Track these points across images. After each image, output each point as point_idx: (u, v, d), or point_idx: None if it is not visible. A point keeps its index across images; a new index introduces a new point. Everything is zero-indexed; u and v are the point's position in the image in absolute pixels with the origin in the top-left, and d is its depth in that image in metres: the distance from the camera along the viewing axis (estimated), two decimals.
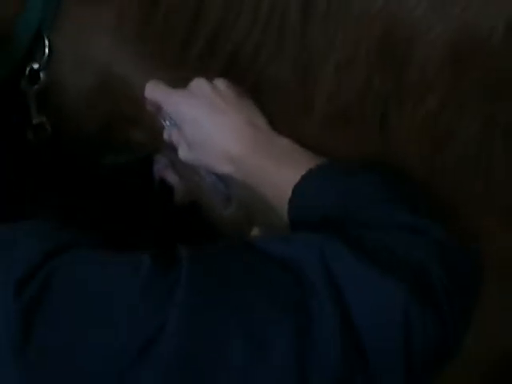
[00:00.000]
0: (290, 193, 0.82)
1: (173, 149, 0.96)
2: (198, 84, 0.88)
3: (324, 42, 0.86)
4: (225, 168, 0.87)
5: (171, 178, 1.08)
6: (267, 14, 0.86)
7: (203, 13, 0.88)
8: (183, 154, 0.91)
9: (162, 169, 1.10)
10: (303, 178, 0.82)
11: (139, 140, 1.05)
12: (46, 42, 0.94)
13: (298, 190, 0.82)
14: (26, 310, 0.62)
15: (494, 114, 0.83)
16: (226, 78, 0.90)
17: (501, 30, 0.79)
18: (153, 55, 0.94)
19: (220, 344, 0.62)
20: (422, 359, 0.68)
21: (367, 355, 0.64)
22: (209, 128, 0.87)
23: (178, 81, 0.91)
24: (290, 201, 0.82)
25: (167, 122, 0.92)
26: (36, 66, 0.95)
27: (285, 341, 0.63)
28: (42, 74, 0.96)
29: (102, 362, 0.61)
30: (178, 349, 0.61)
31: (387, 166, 0.87)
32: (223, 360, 0.62)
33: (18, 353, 0.61)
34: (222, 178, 0.94)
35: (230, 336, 0.63)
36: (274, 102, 0.91)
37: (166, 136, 0.94)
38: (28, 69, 0.95)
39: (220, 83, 0.89)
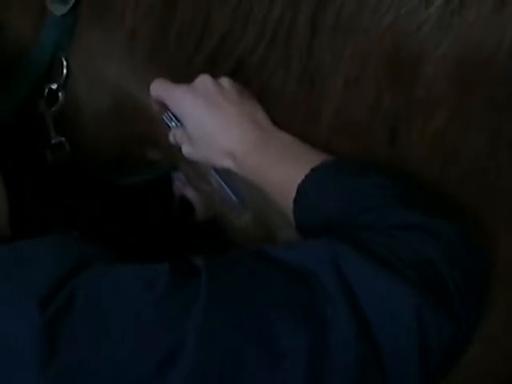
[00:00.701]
0: (293, 192, 0.81)
1: (188, 163, 0.97)
2: (202, 80, 0.88)
3: (332, 55, 0.86)
4: (225, 162, 0.87)
5: (190, 194, 1.09)
6: (275, 25, 0.86)
7: (210, 26, 0.88)
8: (186, 150, 0.91)
9: (181, 186, 1.11)
10: (307, 176, 0.80)
11: (156, 158, 1.05)
12: (64, 63, 0.95)
13: (302, 189, 0.80)
14: (51, 325, 0.63)
15: (500, 127, 0.83)
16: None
17: (507, 44, 0.79)
18: (162, 74, 0.94)
19: (237, 357, 0.62)
20: (437, 361, 0.67)
21: (383, 361, 0.64)
22: (208, 122, 0.87)
23: None
24: (295, 200, 0.81)
25: (173, 124, 0.92)
26: (54, 86, 0.96)
27: (300, 350, 0.63)
28: (60, 94, 0.97)
29: (121, 378, 0.62)
30: (196, 365, 0.62)
31: (394, 169, 0.86)
32: (240, 372, 0.62)
33: (43, 367, 0.61)
34: (233, 187, 0.94)
35: (246, 349, 0.63)
36: (279, 114, 0.90)
37: (171, 138, 0.94)
38: (47, 90, 0.96)
39: (224, 81, 0.89)
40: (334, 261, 0.67)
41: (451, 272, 0.69)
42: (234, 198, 0.94)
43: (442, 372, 0.71)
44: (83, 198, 1.02)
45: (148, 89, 0.93)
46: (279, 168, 0.84)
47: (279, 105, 0.90)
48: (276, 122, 0.89)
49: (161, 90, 0.91)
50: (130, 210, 1.06)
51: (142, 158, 1.05)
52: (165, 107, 0.92)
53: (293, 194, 0.81)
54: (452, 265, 0.70)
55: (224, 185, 0.93)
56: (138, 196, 1.08)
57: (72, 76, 0.96)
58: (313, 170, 0.80)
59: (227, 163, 0.87)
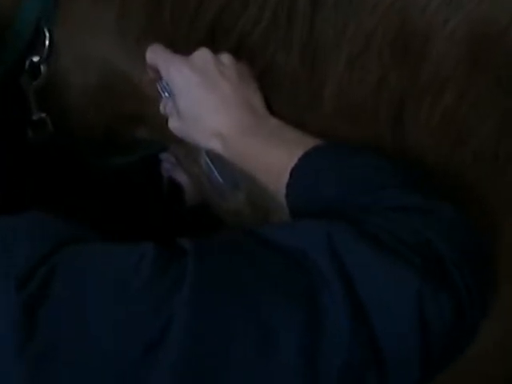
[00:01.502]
0: (285, 176, 0.79)
1: (179, 144, 0.95)
2: (201, 54, 0.86)
3: (334, 33, 0.84)
4: (211, 143, 0.85)
5: (180, 177, 1.07)
6: (275, 2, 0.84)
7: (207, 2, 0.86)
8: (172, 123, 0.89)
9: (170, 168, 1.08)
10: (300, 159, 0.78)
11: (145, 138, 1.03)
12: (47, 34, 0.91)
13: (295, 172, 0.78)
14: (29, 305, 0.61)
15: (510, 109, 0.82)
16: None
17: None
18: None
19: (228, 341, 0.61)
20: (438, 349, 0.66)
21: (381, 346, 0.63)
22: (200, 100, 0.85)
23: None
24: (288, 185, 0.79)
25: (166, 94, 0.89)
26: (36, 58, 0.92)
27: (294, 334, 0.61)
28: (42, 68, 0.93)
29: (104, 361, 0.60)
30: (185, 347, 0.60)
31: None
32: (231, 357, 0.60)
33: (21, 348, 0.59)
34: (223, 170, 0.92)
35: (237, 332, 0.61)
36: (281, 93, 0.89)
37: (161, 108, 0.91)
38: (28, 62, 0.92)
39: (225, 58, 0.86)
40: (330, 243, 0.65)
41: (452, 254, 0.67)
42: (221, 181, 0.92)
43: (444, 362, 0.69)
44: (83, 198, 1.00)
45: (140, 65, 0.91)
46: (269, 152, 0.82)
47: (280, 85, 0.89)
48: (276, 103, 0.88)
49: (157, 57, 0.88)
50: (116, 192, 1.04)
51: (130, 138, 1.02)
52: (160, 75, 0.89)
53: (285, 178, 0.79)
54: (452, 246, 0.68)
55: (213, 167, 0.92)
56: (124, 178, 1.05)
57: (57, 49, 0.93)
58: (306, 154, 0.79)
59: (214, 145, 0.85)
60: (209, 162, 0.91)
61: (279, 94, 0.88)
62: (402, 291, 0.64)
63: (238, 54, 0.87)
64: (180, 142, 0.93)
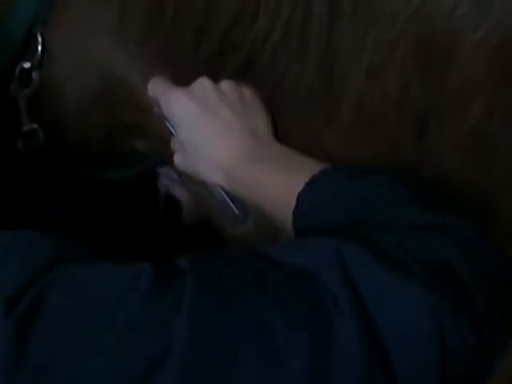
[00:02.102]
0: (292, 202, 0.76)
1: None
2: (201, 84, 0.84)
3: (353, 42, 0.80)
4: (215, 177, 0.83)
5: (179, 193, 1.03)
6: (289, 8, 0.80)
7: (216, 9, 0.82)
8: (177, 159, 0.87)
9: (168, 183, 1.04)
10: (308, 184, 0.76)
11: (144, 150, 0.99)
12: (39, 39, 0.87)
13: (302, 197, 0.76)
14: (19, 326, 0.58)
15: None
16: (243, 81, 0.86)
17: None
18: (159, 57, 0.88)
19: (230, 366, 0.58)
20: (458, 371, 0.62)
21: (395, 372, 0.59)
22: (200, 130, 0.83)
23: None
24: (295, 210, 0.76)
25: (173, 130, 0.86)
26: (27, 65, 0.88)
27: (302, 360, 0.58)
28: (34, 75, 0.89)
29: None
30: (185, 369, 0.57)
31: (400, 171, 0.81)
32: (232, 374, 0.58)
33: (12, 370, 0.57)
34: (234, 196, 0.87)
35: (240, 356, 0.58)
36: (295, 108, 0.85)
37: (172, 144, 0.88)
38: (18, 69, 0.88)
39: (226, 85, 0.84)
40: (341, 261, 0.62)
41: (473, 276, 0.64)
42: (235, 209, 0.87)
43: None
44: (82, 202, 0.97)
45: (141, 71, 0.88)
46: (274, 179, 0.80)
47: (294, 100, 0.85)
48: (291, 118, 0.85)
49: (158, 89, 0.87)
50: (110, 208, 1.00)
51: (127, 150, 0.98)
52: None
53: (291, 204, 0.77)
54: (473, 266, 0.65)
55: (226, 196, 0.86)
56: (119, 194, 1.01)
57: (50, 54, 0.89)
58: (313, 178, 0.76)
59: (217, 178, 0.83)
60: (222, 192, 0.86)
61: (294, 110, 0.85)
62: (419, 314, 0.61)
63: (247, 66, 0.84)
64: None
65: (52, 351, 0.58)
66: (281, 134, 0.86)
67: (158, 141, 0.91)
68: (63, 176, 0.96)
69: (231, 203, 0.86)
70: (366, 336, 0.59)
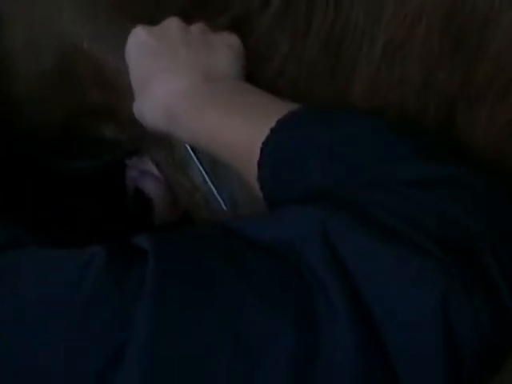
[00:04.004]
0: (255, 154, 0.67)
1: (163, 147, 0.86)
2: (168, 22, 0.79)
3: (367, 16, 0.74)
4: (158, 120, 0.75)
5: (150, 188, 0.95)
6: None
7: None
8: (133, 107, 0.80)
9: (137, 176, 0.96)
10: (273, 130, 0.66)
11: (113, 137, 0.92)
12: None
13: (268, 147, 0.66)
14: None
15: None
16: None
17: None
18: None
19: (201, 363, 0.53)
20: (470, 360, 0.56)
21: (394, 362, 0.54)
22: (149, 67, 0.78)
23: None
24: (260, 164, 0.67)
25: None
26: None
27: (283, 349, 0.53)
28: None
29: None
30: (148, 369, 0.53)
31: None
32: (205, 378, 0.53)
33: None
34: (221, 186, 0.82)
35: (214, 352, 0.54)
36: (297, 92, 0.79)
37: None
38: None
39: (196, 27, 0.79)
40: (324, 233, 0.57)
41: (488, 236, 0.58)
42: (222, 203, 0.82)
43: (482, 373, 0.59)
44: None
45: (110, 46, 0.83)
46: (232, 124, 0.71)
47: (296, 83, 0.80)
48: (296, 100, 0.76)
49: None
50: (73, 204, 0.94)
51: (93, 138, 0.92)
52: None
53: (255, 156, 0.67)
54: (489, 227, 0.59)
55: (211, 184, 0.82)
56: (84, 188, 0.96)
57: (5, 27, 0.84)
58: (280, 122, 0.66)
59: (161, 120, 0.75)
60: (205, 176, 0.81)
61: (295, 93, 0.78)
62: (421, 293, 0.54)
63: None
64: (162, 145, 0.84)
65: None
66: None
67: (131, 125, 0.84)
68: (15, 170, 0.89)
69: (219, 197, 0.81)
70: (359, 325, 0.54)
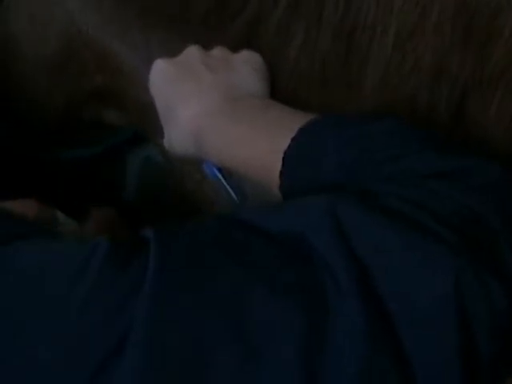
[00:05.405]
0: (277, 164, 0.69)
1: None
2: (188, 51, 0.80)
3: (378, 5, 0.73)
4: (186, 144, 0.77)
5: None
6: None
7: None
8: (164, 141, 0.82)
9: None
10: (294, 139, 0.68)
11: (114, 122, 0.93)
12: None
13: (289, 156, 0.68)
14: None
15: None
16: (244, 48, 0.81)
17: None
18: (140, 13, 0.83)
19: (203, 355, 0.53)
20: (487, 350, 0.56)
21: (406, 352, 0.54)
22: (174, 94, 0.78)
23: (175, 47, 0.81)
24: (282, 173, 0.69)
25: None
26: None
27: (291, 342, 0.53)
28: None
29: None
30: (148, 360, 0.52)
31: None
32: (207, 371, 0.53)
33: None
34: (233, 181, 0.82)
35: (215, 341, 0.53)
36: (308, 84, 0.79)
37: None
38: None
39: (217, 50, 0.80)
40: (336, 222, 0.57)
41: (505, 226, 0.59)
42: (234, 196, 0.82)
43: (496, 371, 0.58)
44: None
45: (115, 30, 0.84)
46: (255, 138, 0.72)
47: (307, 74, 0.79)
48: (302, 96, 0.79)
49: None
50: (71, 193, 0.94)
51: (96, 122, 0.92)
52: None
53: (277, 166, 0.69)
54: (505, 218, 0.59)
55: (222, 179, 0.81)
56: (84, 175, 0.96)
57: (8, 11, 0.86)
58: (300, 131, 0.68)
59: (188, 144, 0.76)
60: (216, 172, 0.81)
61: (306, 86, 0.79)
62: (433, 277, 0.55)
63: (251, 32, 0.80)
64: None
65: None
66: None
67: (137, 110, 0.86)
68: (13, 157, 0.90)
69: (231, 190, 0.81)
70: (369, 310, 0.54)
